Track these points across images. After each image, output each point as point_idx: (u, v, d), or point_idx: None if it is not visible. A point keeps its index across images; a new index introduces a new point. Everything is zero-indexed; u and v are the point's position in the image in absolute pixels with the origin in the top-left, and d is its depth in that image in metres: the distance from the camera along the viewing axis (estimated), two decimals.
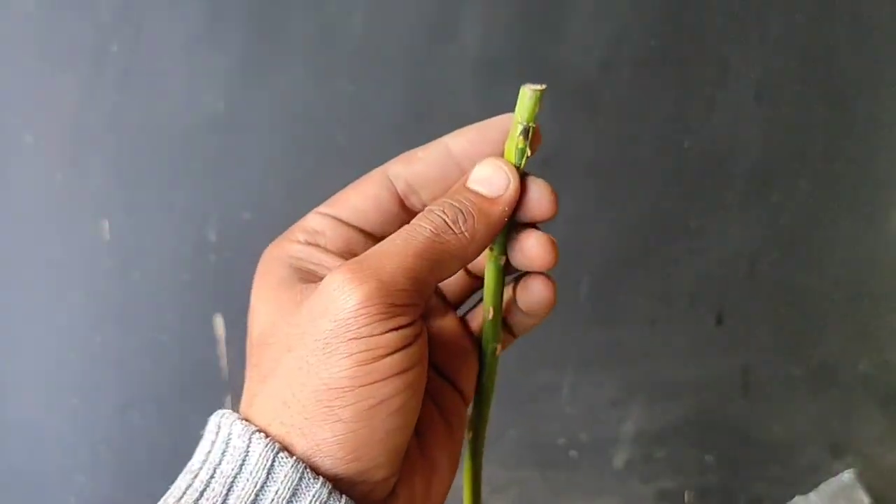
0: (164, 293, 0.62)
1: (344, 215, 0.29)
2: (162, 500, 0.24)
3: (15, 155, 0.57)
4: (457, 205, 0.26)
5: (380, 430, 0.24)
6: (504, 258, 0.28)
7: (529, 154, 0.27)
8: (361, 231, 0.29)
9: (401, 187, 0.29)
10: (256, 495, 0.23)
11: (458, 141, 0.29)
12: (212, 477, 0.24)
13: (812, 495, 0.78)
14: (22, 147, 0.57)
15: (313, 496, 0.23)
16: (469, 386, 0.30)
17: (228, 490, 0.24)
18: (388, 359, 0.24)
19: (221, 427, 0.25)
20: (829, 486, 0.78)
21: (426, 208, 0.27)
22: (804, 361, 0.76)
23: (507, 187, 0.27)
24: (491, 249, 0.28)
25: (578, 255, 0.67)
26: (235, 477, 0.24)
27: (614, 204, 0.68)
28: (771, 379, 0.76)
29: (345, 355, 0.24)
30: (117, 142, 0.59)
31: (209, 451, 0.25)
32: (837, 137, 0.70)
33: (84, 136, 0.58)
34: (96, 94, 0.57)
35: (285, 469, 0.24)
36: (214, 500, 0.23)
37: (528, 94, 0.27)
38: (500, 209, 0.27)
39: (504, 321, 0.30)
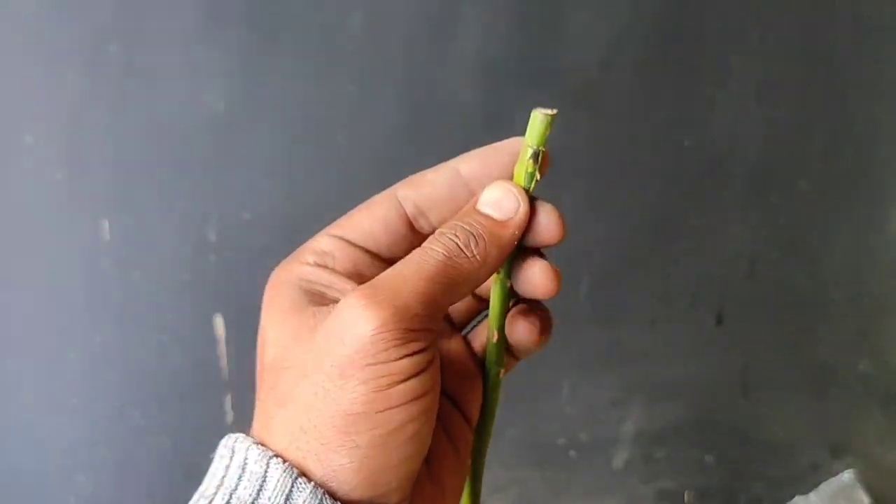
0: (164, 293, 0.62)
1: (352, 237, 0.29)
2: None
3: (15, 155, 0.57)
4: (468, 228, 0.26)
5: (395, 456, 0.24)
6: (510, 281, 0.28)
7: (538, 178, 0.27)
8: (370, 253, 0.29)
9: (409, 209, 0.29)
10: None
11: (468, 164, 0.28)
12: (228, 502, 0.24)
13: (812, 495, 0.78)
14: (22, 147, 0.57)
15: None
16: (474, 410, 0.30)
17: None
18: (404, 385, 0.24)
19: (236, 451, 0.25)
20: (829, 486, 0.78)
21: (437, 231, 0.27)
22: (804, 361, 0.76)
23: (518, 210, 0.27)
24: (498, 272, 0.28)
25: (578, 255, 0.67)
26: (253, 502, 0.24)
27: (614, 204, 0.68)
28: (771, 379, 0.76)
29: (361, 381, 0.24)
30: (117, 142, 0.58)
31: (224, 476, 0.25)
32: (837, 137, 0.70)
33: (84, 136, 0.58)
34: (96, 94, 0.57)
35: (304, 495, 0.24)
36: None
37: (539, 118, 0.27)
38: (511, 232, 0.27)
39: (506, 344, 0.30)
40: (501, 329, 0.29)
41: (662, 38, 0.65)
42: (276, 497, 0.24)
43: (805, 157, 0.70)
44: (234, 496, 0.24)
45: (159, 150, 0.59)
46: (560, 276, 0.28)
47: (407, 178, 0.29)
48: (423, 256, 0.26)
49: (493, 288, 0.29)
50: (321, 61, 0.60)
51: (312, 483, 0.24)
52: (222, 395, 0.64)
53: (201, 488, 0.25)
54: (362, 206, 0.29)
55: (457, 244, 0.26)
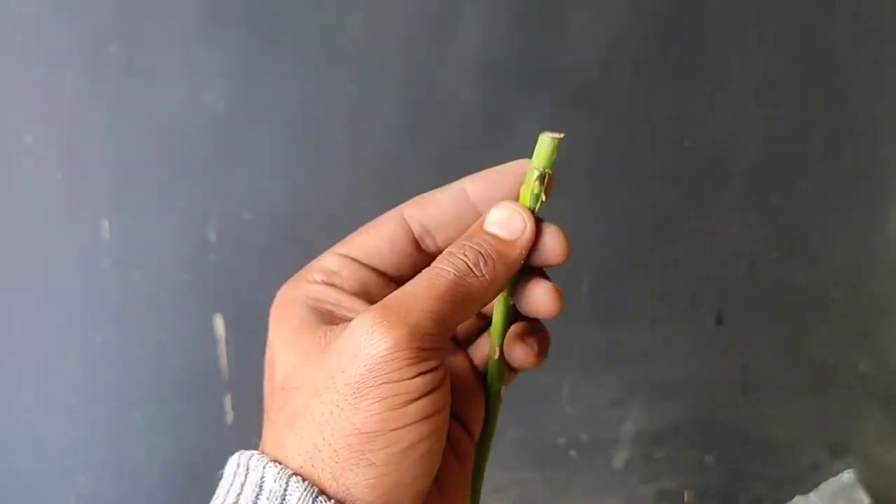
0: (164, 293, 0.62)
1: (359, 255, 0.29)
2: None
3: (15, 155, 0.57)
4: (477, 247, 0.27)
5: (409, 473, 0.25)
6: (513, 300, 0.29)
7: (544, 199, 0.28)
8: (376, 271, 0.29)
9: (416, 228, 0.29)
10: None
11: (474, 184, 0.29)
12: None
13: (812, 495, 0.78)
14: (22, 147, 0.57)
15: None
16: (476, 424, 0.31)
17: None
18: (417, 403, 0.24)
19: (251, 469, 0.25)
20: (829, 486, 0.78)
21: (446, 251, 0.27)
22: (804, 361, 0.76)
23: (524, 230, 0.27)
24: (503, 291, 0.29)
25: (578, 255, 0.67)
26: None
27: (614, 204, 0.68)
28: (771, 379, 0.76)
29: (375, 400, 0.24)
30: (117, 142, 0.58)
31: (239, 494, 0.25)
32: (837, 137, 0.70)
33: (84, 136, 0.58)
34: (96, 94, 0.57)
35: None
36: None
37: (546, 142, 0.27)
38: (518, 252, 0.27)
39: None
40: (503, 346, 0.30)
41: (662, 38, 0.65)
42: None
43: (805, 157, 0.70)
44: None
45: (159, 150, 0.59)
46: (563, 296, 0.28)
47: (413, 198, 0.30)
48: (433, 276, 0.26)
49: (496, 306, 0.29)
50: (321, 61, 0.60)
51: (332, 501, 0.24)
52: (222, 395, 0.64)
53: None
54: (369, 226, 0.30)
55: (466, 263, 0.26)
